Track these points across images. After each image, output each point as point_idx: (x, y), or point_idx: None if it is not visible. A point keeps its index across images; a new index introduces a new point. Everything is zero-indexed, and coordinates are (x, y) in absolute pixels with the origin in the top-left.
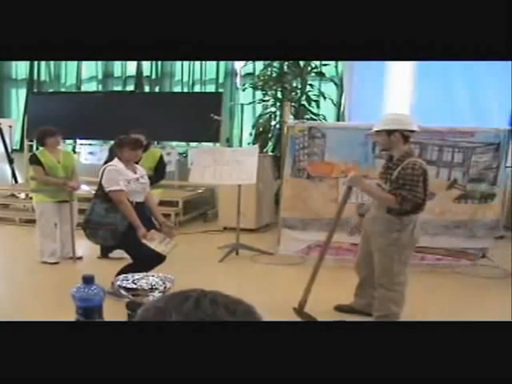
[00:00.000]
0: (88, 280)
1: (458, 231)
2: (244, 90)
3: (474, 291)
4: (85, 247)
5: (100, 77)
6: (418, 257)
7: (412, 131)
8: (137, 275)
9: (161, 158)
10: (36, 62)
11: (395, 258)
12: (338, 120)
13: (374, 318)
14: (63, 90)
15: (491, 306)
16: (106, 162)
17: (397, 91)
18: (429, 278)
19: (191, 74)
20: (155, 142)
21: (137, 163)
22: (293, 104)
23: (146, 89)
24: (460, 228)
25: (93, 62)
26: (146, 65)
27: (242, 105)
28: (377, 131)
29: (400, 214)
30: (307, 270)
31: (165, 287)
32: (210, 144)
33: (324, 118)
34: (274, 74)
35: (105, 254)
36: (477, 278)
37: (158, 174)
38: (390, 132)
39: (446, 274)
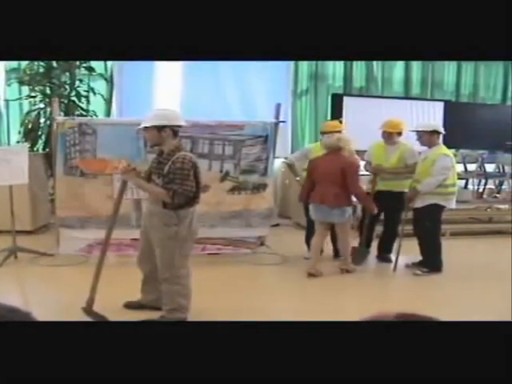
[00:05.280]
0: None
1: (234, 221)
2: (9, 85)
3: (256, 278)
4: None
5: None
6: (199, 248)
7: (179, 126)
8: None
9: None
10: None
11: (176, 251)
12: (108, 116)
13: (165, 312)
14: None
15: (274, 290)
16: None
17: (167, 87)
18: (212, 268)
19: None
20: None
21: None
22: (62, 100)
23: None
24: (236, 218)
25: None
26: None
27: (8, 101)
28: (146, 127)
29: (176, 207)
30: (90, 268)
31: None
32: None
33: (95, 114)
34: (42, 69)
35: None
36: (257, 265)
37: None
38: (159, 128)
39: (228, 264)
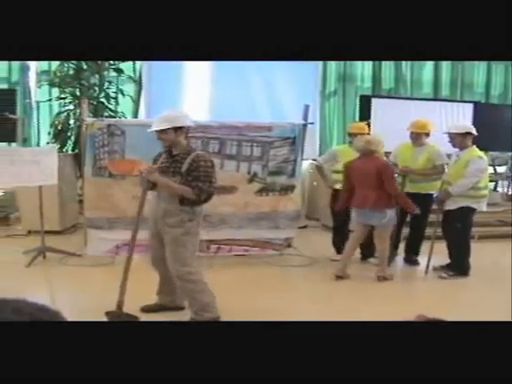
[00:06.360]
0: None
1: (261, 223)
2: (40, 86)
3: (282, 279)
4: None
5: None
6: (226, 249)
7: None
8: None
9: None
10: None
11: (188, 246)
12: (135, 117)
13: (194, 314)
14: None
15: (301, 291)
16: None
17: (195, 88)
18: (239, 269)
19: None
20: None
21: None
22: (91, 101)
23: None
24: (264, 220)
25: None
26: None
27: (39, 102)
28: (163, 129)
29: (193, 204)
30: (118, 269)
31: None
32: (6, 144)
33: (123, 115)
34: (71, 71)
35: None
36: (284, 267)
37: None
38: (176, 129)
39: (255, 265)
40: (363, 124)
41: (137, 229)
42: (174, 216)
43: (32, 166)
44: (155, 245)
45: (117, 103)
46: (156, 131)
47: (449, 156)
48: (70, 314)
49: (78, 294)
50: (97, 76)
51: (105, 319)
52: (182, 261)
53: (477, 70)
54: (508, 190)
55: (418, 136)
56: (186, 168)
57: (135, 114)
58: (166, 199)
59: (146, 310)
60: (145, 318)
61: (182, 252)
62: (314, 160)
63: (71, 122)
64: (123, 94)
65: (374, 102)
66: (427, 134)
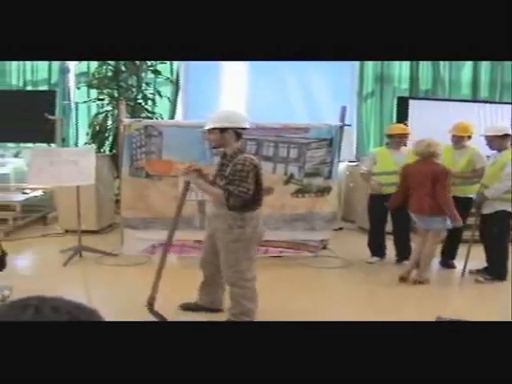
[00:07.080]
0: None
1: (297, 224)
2: (79, 88)
3: (318, 280)
4: None
5: None
6: (262, 250)
7: (244, 128)
8: None
9: None
10: None
11: (241, 253)
12: (172, 118)
13: (231, 316)
14: None
15: (335, 293)
16: None
17: (232, 89)
18: (274, 270)
19: (22, 75)
20: None
21: None
22: (129, 102)
23: None
24: (299, 221)
25: None
26: None
27: (77, 103)
28: (209, 129)
29: (240, 209)
30: (153, 269)
31: (3, 296)
32: (45, 144)
33: (160, 117)
34: (110, 73)
35: None
36: (319, 269)
37: None
38: (222, 130)
39: (290, 266)
40: (403, 125)
41: (173, 229)
42: (223, 221)
43: (70, 166)
44: (207, 248)
45: (154, 104)
46: (206, 131)
47: (487, 158)
48: (107, 313)
49: (114, 292)
50: (134, 77)
51: (139, 319)
52: (236, 267)
53: None
54: None
55: (460, 139)
56: (228, 171)
57: (172, 115)
58: (217, 203)
59: (185, 307)
60: (182, 317)
61: (234, 259)
62: (351, 162)
63: (109, 122)
64: (160, 95)
65: (412, 103)
66: (469, 137)
